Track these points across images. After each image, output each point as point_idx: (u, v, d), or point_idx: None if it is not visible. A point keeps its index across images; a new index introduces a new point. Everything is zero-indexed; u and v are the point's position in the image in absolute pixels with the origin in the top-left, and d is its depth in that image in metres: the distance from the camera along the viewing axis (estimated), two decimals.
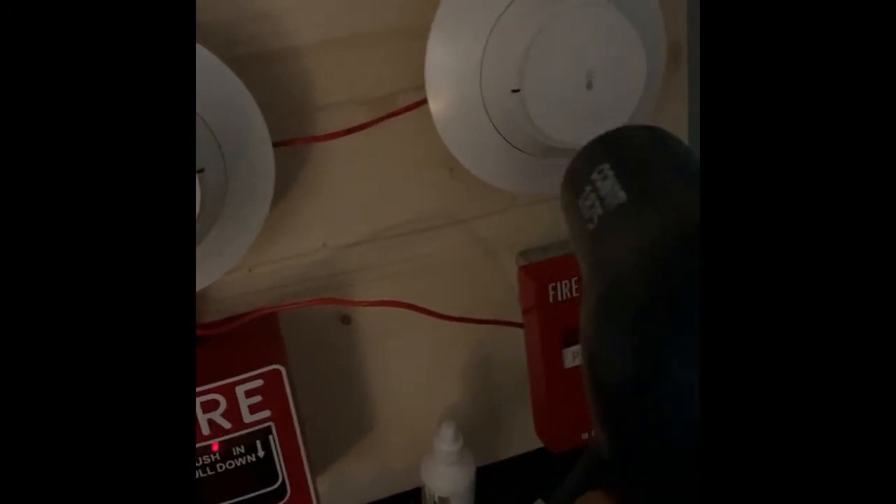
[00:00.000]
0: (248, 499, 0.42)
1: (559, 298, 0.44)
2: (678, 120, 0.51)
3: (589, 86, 0.38)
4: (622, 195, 0.25)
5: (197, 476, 0.41)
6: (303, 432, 0.43)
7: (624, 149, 0.28)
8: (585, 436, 0.47)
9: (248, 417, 0.41)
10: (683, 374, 0.18)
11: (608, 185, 0.26)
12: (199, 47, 0.36)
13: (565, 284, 0.44)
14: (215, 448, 0.41)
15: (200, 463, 0.41)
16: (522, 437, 0.55)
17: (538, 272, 0.45)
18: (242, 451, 0.41)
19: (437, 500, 0.50)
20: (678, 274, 0.19)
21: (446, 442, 0.48)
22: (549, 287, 0.44)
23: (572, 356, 0.45)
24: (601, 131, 0.39)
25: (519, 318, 0.50)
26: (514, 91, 0.37)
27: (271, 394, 0.41)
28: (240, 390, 0.40)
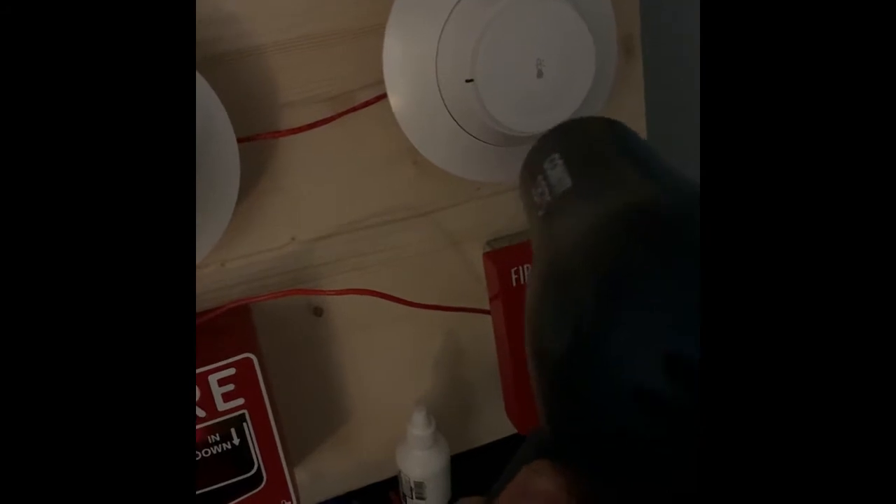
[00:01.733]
0: (225, 486, 0.43)
1: (522, 282, 0.45)
2: (635, 110, 0.53)
3: (539, 74, 0.40)
4: (568, 181, 0.26)
5: None
6: (277, 420, 0.44)
7: (574, 138, 0.29)
8: None
9: (221, 406, 0.42)
10: (612, 349, 0.18)
11: (557, 173, 0.27)
12: None
13: (527, 269, 0.45)
14: None
15: None
16: (495, 425, 0.57)
17: (501, 258, 0.47)
18: (218, 438, 0.43)
19: (412, 485, 0.51)
20: (614, 251, 0.20)
21: (419, 427, 0.49)
22: (512, 271, 0.45)
23: None
24: (553, 119, 0.41)
25: (487, 307, 0.51)
26: (468, 81, 0.39)
27: (244, 382, 0.42)
28: (212, 379, 0.41)
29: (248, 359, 0.42)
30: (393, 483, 0.55)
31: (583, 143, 0.29)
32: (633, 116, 0.54)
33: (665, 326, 0.18)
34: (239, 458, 0.44)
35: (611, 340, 0.18)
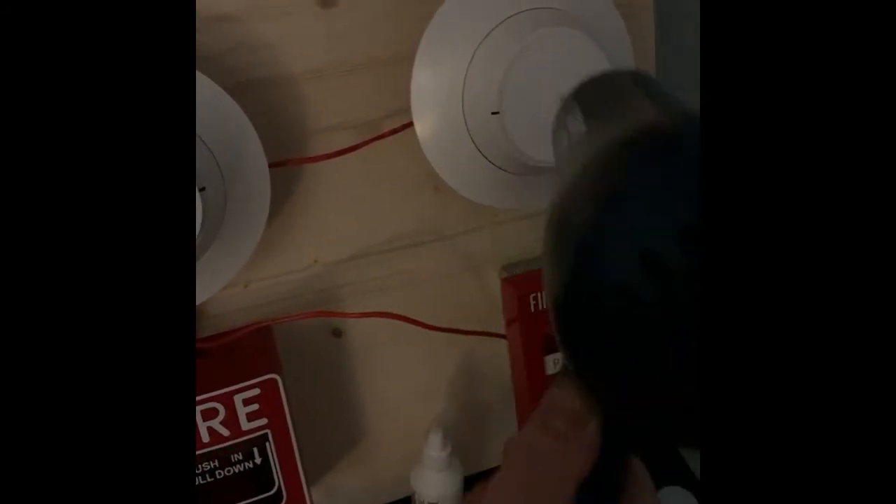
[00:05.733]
0: None
1: (540, 308, 0.46)
2: None
3: None
4: (583, 127, 0.27)
5: (197, 483, 0.42)
6: (297, 440, 0.45)
7: (592, 91, 0.31)
8: None
9: (245, 425, 0.43)
10: (622, 219, 0.19)
11: (576, 124, 0.28)
12: (200, 76, 0.38)
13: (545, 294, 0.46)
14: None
15: (200, 470, 0.43)
16: None
17: (520, 283, 0.48)
18: (240, 457, 0.43)
19: None
20: (611, 172, 0.20)
21: (434, 448, 0.50)
22: (531, 297, 0.46)
23: (553, 363, 0.48)
24: None
25: (503, 331, 0.52)
26: (494, 113, 0.40)
27: (268, 402, 0.43)
28: (238, 399, 0.42)
29: (272, 379, 0.43)
30: (406, 503, 0.55)
31: (599, 93, 0.30)
32: None
33: (670, 203, 0.19)
34: (260, 477, 0.44)
35: (621, 213, 0.19)
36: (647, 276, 0.18)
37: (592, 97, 0.30)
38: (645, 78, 0.29)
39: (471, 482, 0.54)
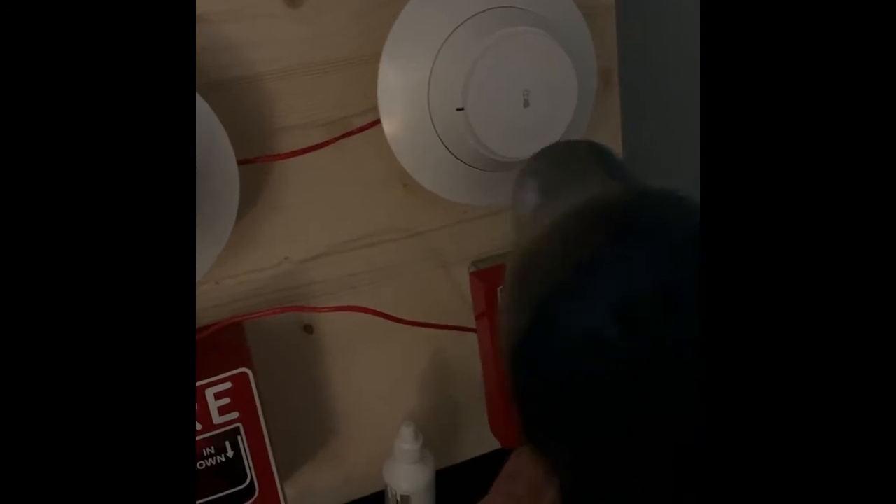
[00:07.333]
0: (218, 498, 0.44)
1: None
2: (612, 136, 0.56)
3: (526, 104, 0.42)
4: (536, 199, 0.30)
5: None
6: (269, 434, 0.45)
7: (544, 164, 0.34)
8: None
9: (217, 419, 0.43)
10: (567, 323, 0.20)
11: (530, 195, 0.31)
12: None
13: None
14: None
15: None
16: (480, 440, 0.58)
17: (487, 277, 0.49)
18: (212, 451, 0.44)
19: (398, 498, 0.52)
20: (578, 245, 0.22)
21: (407, 441, 0.50)
22: (498, 290, 0.47)
23: None
24: (538, 145, 0.44)
25: (473, 326, 0.53)
26: (459, 109, 0.41)
27: (239, 396, 0.43)
28: (209, 393, 0.43)
29: (243, 373, 0.43)
30: (379, 498, 0.56)
31: (551, 167, 0.33)
32: (610, 142, 0.56)
33: (617, 281, 0.20)
34: (232, 470, 0.45)
35: (564, 323, 0.20)
36: (593, 350, 0.20)
37: (544, 171, 0.32)
38: (601, 149, 0.32)
39: (443, 475, 0.55)
